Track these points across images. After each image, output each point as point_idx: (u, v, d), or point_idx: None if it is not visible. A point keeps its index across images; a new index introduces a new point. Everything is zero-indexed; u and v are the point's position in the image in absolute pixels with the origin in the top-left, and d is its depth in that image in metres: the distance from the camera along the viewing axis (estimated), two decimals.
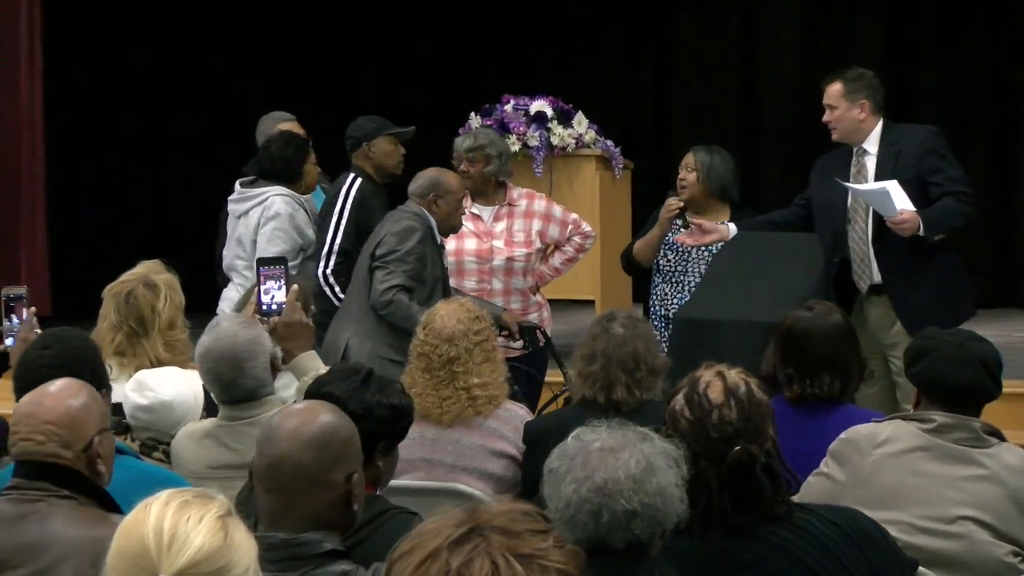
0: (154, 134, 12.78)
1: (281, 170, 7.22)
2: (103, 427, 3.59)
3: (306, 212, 7.21)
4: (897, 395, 6.51)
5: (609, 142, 8.55)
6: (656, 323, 7.05)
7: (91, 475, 3.53)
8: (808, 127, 12.50)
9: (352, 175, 7.14)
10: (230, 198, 7.40)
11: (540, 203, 7.47)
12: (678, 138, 10.43)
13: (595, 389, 4.98)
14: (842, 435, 4.19)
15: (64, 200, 11.93)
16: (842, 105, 6.68)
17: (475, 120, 8.44)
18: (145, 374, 4.77)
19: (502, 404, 5.23)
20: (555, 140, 8.34)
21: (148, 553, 2.34)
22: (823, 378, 4.65)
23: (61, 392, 3.56)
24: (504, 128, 8.23)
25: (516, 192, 7.45)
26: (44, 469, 3.48)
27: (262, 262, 4.83)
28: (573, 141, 8.38)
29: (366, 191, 7.08)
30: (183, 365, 5.19)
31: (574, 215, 7.56)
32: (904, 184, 6.45)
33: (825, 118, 6.77)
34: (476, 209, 7.36)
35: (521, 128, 8.24)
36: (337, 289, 6.95)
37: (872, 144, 6.70)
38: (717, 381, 3.39)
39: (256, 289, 4.76)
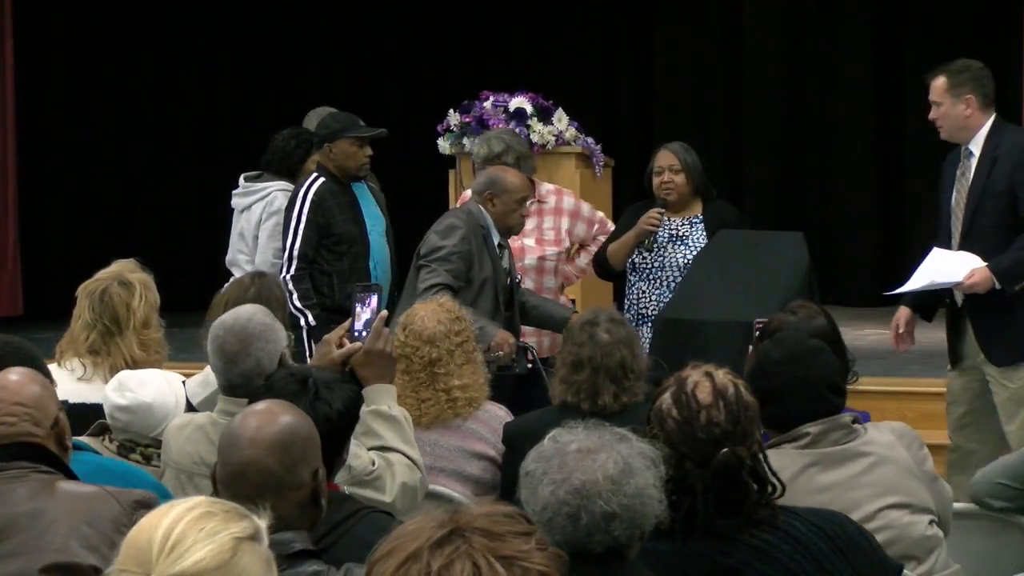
0: (126, 134, 12.75)
1: (279, 163, 7.24)
2: (60, 405, 3.72)
3: None
4: (1000, 414, 6.28)
5: (590, 139, 8.51)
6: (633, 322, 6.98)
7: (60, 451, 3.63)
8: (791, 125, 12.62)
9: (313, 175, 7.04)
10: (234, 192, 7.35)
11: (569, 200, 7.39)
12: (659, 136, 10.40)
13: (580, 397, 4.95)
14: None
15: (36, 199, 11.90)
16: (946, 101, 6.27)
17: (454, 117, 8.40)
18: (127, 374, 4.72)
19: (482, 405, 5.18)
20: (535, 137, 8.28)
21: (149, 551, 2.29)
22: None
23: (21, 376, 3.68)
24: (483, 125, 8.18)
25: (544, 188, 7.37)
26: (19, 449, 3.55)
27: (359, 287, 4.75)
28: (553, 138, 8.33)
29: (325, 192, 6.95)
30: (157, 364, 5.19)
31: (600, 214, 7.50)
32: (995, 196, 6.16)
33: (931, 116, 6.38)
34: None
35: (500, 125, 8.17)
36: (295, 296, 6.82)
37: (977, 145, 6.29)
38: (705, 382, 3.35)
39: (351, 314, 4.67)
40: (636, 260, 7.14)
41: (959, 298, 6.32)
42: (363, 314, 4.57)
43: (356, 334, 4.54)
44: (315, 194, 6.93)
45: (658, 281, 7.11)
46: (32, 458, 3.54)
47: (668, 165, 7.12)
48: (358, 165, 7.03)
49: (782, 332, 4.48)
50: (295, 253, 6.88)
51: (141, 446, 4.56)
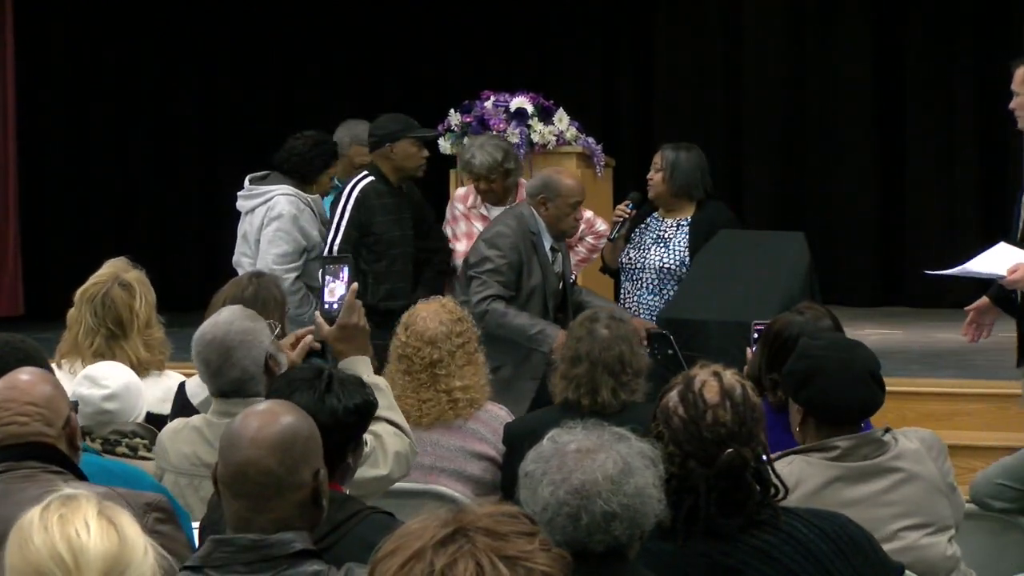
0: (127, 134, 12.75)
1: (297, 166, 7.20)
2: (71, 406, 3.73)
3: (313, 212, 7.15)
4: None
5: (591, 139, 8.51)
6: None
7: (71, 452, 3.63)
8: (791, 125, 12.62)
9: (362, 174, 7.05)
10: (239, 194, 7.34)
11: None
12: (660, 135, 10.43)
13: (580, 392, 4.96)
14: None
15: (36, 199, 11.90)
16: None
17: (454, 117, 8.39)
18: (91, 370, 4.73)
19: (483, 406, 5.17)
20: (536, 137, 8.27)
21: None
22: None
23: (33, 376, 3.69)
24: (483, 125, 8.17)
25: (525, 189, 7.39)
26: (30, 448, 3.55)
27: (326, 260, 4.74)
28: (554, 138, 8.33)
29: (371, 191, 6.97)
30: (161, 365, 5.25)
31: (587, 213, 7.47)
32: None
33: (1011, 105, 6.19)
34: (485, 210, 7.31)
35: (501, 125, 8.17)
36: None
37: None
38: (713, 381, 3.34)
39: (321, 286, 4.67)
40: (623, 259, 7.17)
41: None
42: (335, 288, 4.56)
43: (328, 307, 4.53)
44: (360, 191, 6.97)
45: (639, 281, 7.13)
46: (43, 458, 3.55)
47: (654, 162, 7.16)
48: (416, 165, 7.08)
49: (813, 332, 4.43)
50: (333, 251, 6.89)
51: (126, 437, 4.55)
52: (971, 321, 6.18)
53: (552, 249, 6.69)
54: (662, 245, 7.09)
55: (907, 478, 3.98)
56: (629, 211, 7.10)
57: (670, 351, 6.35)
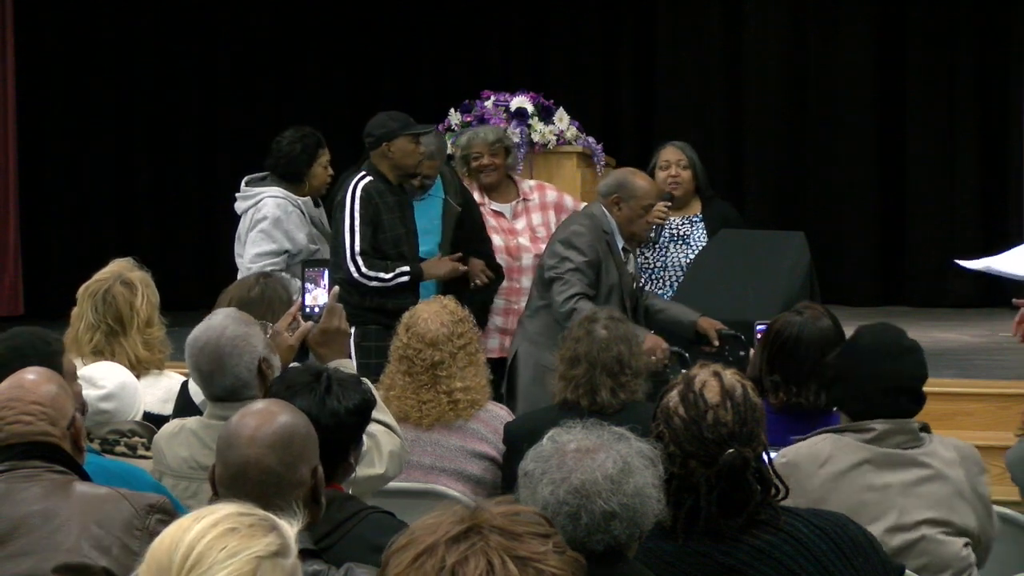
0: (126, 134, 12.74)
1: (284, 168, 7.17)
2: (77, 406, 3.73)
3: (302, 214, 7.12)
4: None
5: (591, 139, 8.51)
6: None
7: (75, 452, 3.63)
8: (792, 125, 12.62)
9: (360, 175, 7.03)
10: (236, 196, 7.34)
11: (551, 193, 7.46)
12: (660, 135, 10.44)
13: (579, 393, 4.96)
14: (781, 458, 4.01)
15: (36, 199, 11.89)
16: None
17: (455, 116, 8.39)
18: (86, 370, 4.72)
19: (483, 406, 5.17)
20: (536, 137, 8.28)
21: (169, 569, 2.25)
22: (810, 387, 4.59)
23: (38, 376, 3.68)
24: (484, 124, 8.18)
25: (526, 185, 7.42)
26: (35, 448, 3.56)
27: (307, 264, 4.76)
28: (554, 138, 8.34)
29: (372, 190, 6.93)
30: (160, 364, 5.25)
31: (585, 205, 7.49)
32: None
33: None
34: (496, 206, 7.32)
35: (501, 125, 8.17)
36: (384, 276, 6.77)
37: None
38: (713, 381, 3.34)
39: (301, 291, 4.69)
40: (639, 260, 7.16)
41: None
42: (316, 293, 4.57)
43: (308, 311, 4.55)
44: (362, 190, 6.93)
45: (661, 281, 7.13)
46: (47, 458, 3.55)
47: (676, 160, 7.14)
48: (415, 162, 7.03)
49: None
50: (356, 251, 6.84)
51: (124, 436, 4.56)
52: (1020, 320, 6.00)
53: (623, 250, 6.62)
54: (682, 243, 7.10)
55: (934, 476, 4.01)
56: (668, 211, 7.09)
57: (742, 352, 6.24)
